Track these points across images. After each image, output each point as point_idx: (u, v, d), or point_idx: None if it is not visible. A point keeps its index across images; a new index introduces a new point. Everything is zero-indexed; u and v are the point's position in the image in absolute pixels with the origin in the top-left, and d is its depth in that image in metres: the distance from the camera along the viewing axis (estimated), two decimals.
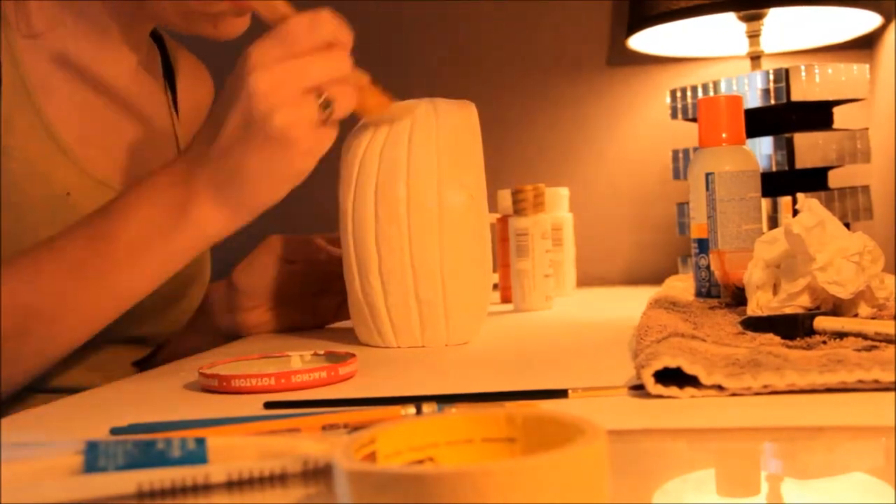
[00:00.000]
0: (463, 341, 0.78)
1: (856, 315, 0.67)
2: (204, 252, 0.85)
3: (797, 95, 1.11)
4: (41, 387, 0.74)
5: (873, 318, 0.65)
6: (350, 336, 0.83)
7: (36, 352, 0.66)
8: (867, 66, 1.16)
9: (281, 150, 0.62)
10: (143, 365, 0.87)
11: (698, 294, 0.89)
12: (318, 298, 0.94)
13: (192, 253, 0.67)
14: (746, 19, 1.24)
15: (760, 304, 0.70)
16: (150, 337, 0.86)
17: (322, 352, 0.67)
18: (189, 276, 0.84)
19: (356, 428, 0.46)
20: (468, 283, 0.77)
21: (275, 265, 0.91)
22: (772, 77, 1.12)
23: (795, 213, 0.70)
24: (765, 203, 1.10)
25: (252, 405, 0.55)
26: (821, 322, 0.62)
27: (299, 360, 0.66)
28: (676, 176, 1.23)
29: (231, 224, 0.66)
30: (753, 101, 1.13)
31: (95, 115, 0.80)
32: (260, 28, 0.66)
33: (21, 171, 0.72)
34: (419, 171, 0.76)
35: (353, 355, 0.64)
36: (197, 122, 0.92)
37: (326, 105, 0.63)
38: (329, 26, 0.63)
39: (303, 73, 0.62)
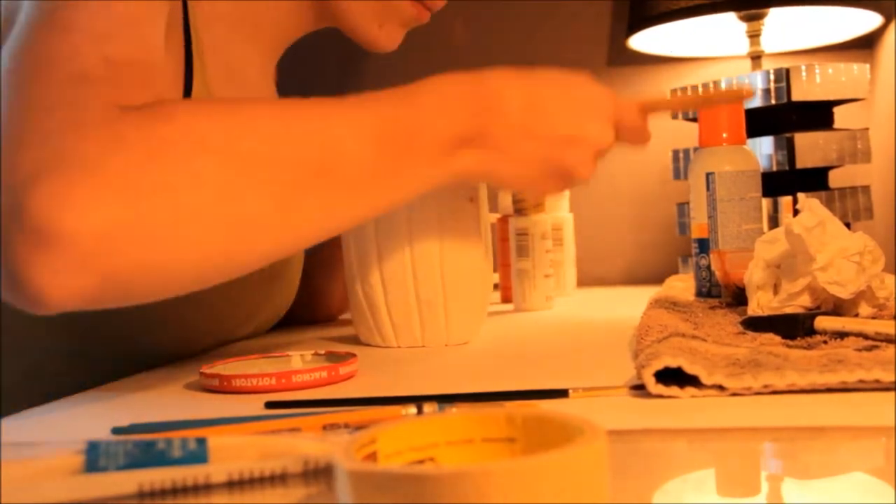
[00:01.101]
0: (463, 341, 0.78)
1: (856, 315, 0.67)
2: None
3: (797, 95, 1.11)
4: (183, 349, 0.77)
5: (874, 318, 0.65)
6: (350, 336, 0.83)
7: (324, 202, 0.59)
8: (867, 66, 1.16)
9: (545, 174, 0.67)
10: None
11: (699, 294, 0.89)
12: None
13: (445, 178, 0.64)
14: (746, 19, 1.24)
15: (761, 303, 0.70)
16: (256, 334, 0.88)
17: (322, 352, 0.67)
18: (284, 270, 0.86)
19: (357, 428, 0.46)
20: (468, 283, 0.77)
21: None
22: (772, 77, 1.12)
23: (796, 212, 0.70)
24: (765, 203, 1.10)
25: (252, 405, 0.55)
26: (821, 322, 0.62)
27: (300, 360, 0.66)
28: (676, 176, 1.23)
29: (483, 175, 0.66)
30: (754, 101, 1.13)
31: None
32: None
33: None
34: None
35: (353, 355, 0.65)
36: None
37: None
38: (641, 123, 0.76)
39: (612, 136, 0.73)
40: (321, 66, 1.47)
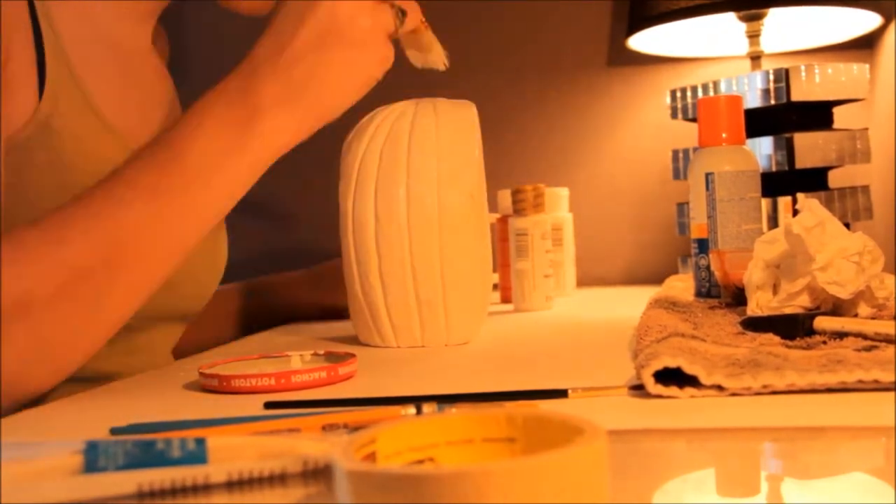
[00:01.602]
0: (463, 341, 0.78)
1: (856, 315, 0.67)
2: (220, 226, 0.88)
3: (797, 95, 1.11)
4: (78, 375, 0.74)
5: (873, 318, 0.65)
6: (351, 336, 0.83)
7: (128, 286, 0.63)
8: (867, 66, 1.16)
9: (360, 53, 0.66)
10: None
11: (698, 294, 0.89)
12: None
13: (264, 164, 0.67)
14: (746, 19, 1.24)
15: (760, 304, 0.70)
16: (184, 311, 0.86)
17: (322, 352, 0.67)
18: (210, 241, 0.85)
19: (356, 428, 0.46)
20: (468, 283, 0.77)
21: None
22: (772, 77, 1.12)
23: (795, 213, 0.70)
24: (765, 203, 1.10)
25: (252, 405, 0.55)
26: (821, 322, 0.62)
27: (299, 360, 0.66)
28: (676, 176, 1.23)
29: (300, 132, 0.67)
30: (753, 101, 1.13)
31: (132, 91, 0.80)
32: None
33: (73, 151, 0.72)
34: (419, 171, 0.76)
35: (352, 355, 0.64)
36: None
37: (401, 17, 0.68)
38: None
39: None
40: None
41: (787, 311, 0.67)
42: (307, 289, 1.05)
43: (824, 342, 0.59)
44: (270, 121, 0.65)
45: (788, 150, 1.10)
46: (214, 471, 0.38)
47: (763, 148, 1.12)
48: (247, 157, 0.65)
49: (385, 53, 0.68)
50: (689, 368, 0.50)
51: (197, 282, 0.86)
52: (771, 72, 1.12)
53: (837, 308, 0.67)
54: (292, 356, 0.66)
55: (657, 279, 1.21)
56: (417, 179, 0.76)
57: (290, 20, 0.66)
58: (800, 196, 0.71)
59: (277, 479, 0.39)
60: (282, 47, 0.66)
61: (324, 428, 0.47)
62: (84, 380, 0.74)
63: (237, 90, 0.66)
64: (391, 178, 0.76)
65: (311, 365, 0.64)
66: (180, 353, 0.89)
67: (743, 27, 1.25)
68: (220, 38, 1.45)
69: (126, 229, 0.62)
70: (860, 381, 0.48)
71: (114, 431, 0.49)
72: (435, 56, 0.78)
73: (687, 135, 1.29)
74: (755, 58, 1.25)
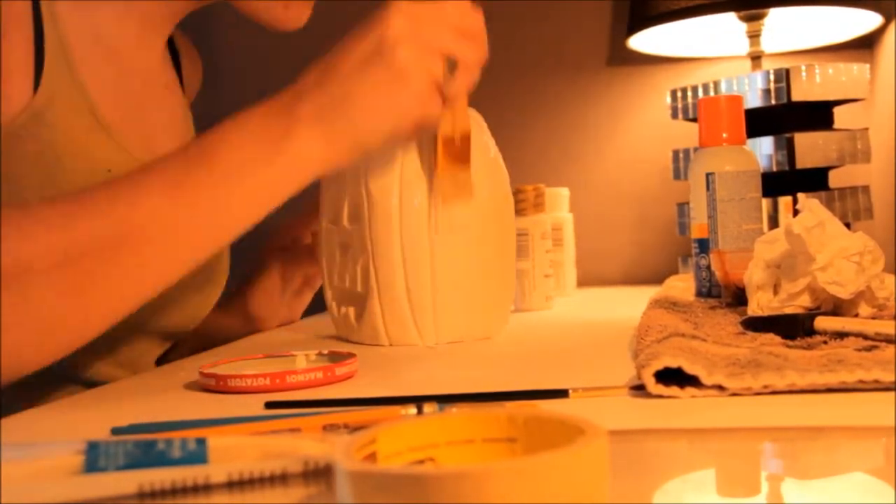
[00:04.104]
0: (453, 340, 0.79)
1: (856, 315, 0.67)
2: (223, 249, 0.86)
3: (797, 95, 1.11)
4: (74, 376, 0.74)
5: (874, 318, 0.65)
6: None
7: (132, 274, 0.61)
8: (867, 66, 1.16)
9: (400, 83, 0.64)
10: (163, 360, 0.88)
11: (698, 294, 0.89)
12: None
13: (293, 184, 0.65)
14: (747, 19, 1.24)
15: (761, 304, 0.70)
16: (172, 330, 0.86)
17: (326, 351, 0.67)
18: (208, 267, 0.84)
19: (357, 428, 0.46)
20: (465, 283, 0.78)
21: (281, 285, 0.99)
22: (772, 77, 1.12)
23: (796, 213, 0.70)
24: (765, 203, 1.10)
25: (253, 405, 0.55)
26: (821, 322, 0.62)
27: (304, 360, 0.65)
28: (676, 176, 1.23)
29: (333, 156, 0.65)
30: (753, 101, 1.13)
31: (131, 96, 0.80)
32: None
33: (64, 146, 0.71)
34: (409, 171, 0.77)
35: (353, 355, 0.64)
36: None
37: (450, 66, 0.66)
38: (479, 21, 0.69)
39: (443, 34, 0.66)
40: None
41: (788, 311, 0.67)
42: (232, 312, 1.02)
43: (825, 342, 0.59)
44: (304, 138, 0.63)
45: (789, 150, 1.10)
46: (215, 471, 0.38)
47: (763, 148, 1.12)
48: (276, 171, 0.63)
49: (426, 93, 0.65)
50: (689, 368, 0.50)
51: (187, 302, 0.85)
52: (771, 72, 1.12)
53: (838, 308, 0.67)
54: (297, 356, 0.66)
55: (657, 279, 1.21)
56: (408, 180, 0.77)
57: (344, 44, 0.66)
58: (800, 196, 0.71)
59: (278, 480, 0.39)
60: (327, 69, 0.65)
61: (324, 428, 0.47)
62: (76, 381, 0.74)
63: (278, 106, 0.65)
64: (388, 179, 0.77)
65: (309, 365, 0.64)
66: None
67: (743, 27, 1.25)
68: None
69: (141, 214, 0.60)
70: (861, 381, 0.48)
71: (114, 431, 0.49)
72: (462, 179, 0.73)
73: (687, 135, 1.29)
74: (755, 58, 1.25)
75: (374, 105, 0.64)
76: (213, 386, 0.60)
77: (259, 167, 0.63)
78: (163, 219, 0.60)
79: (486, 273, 0.80)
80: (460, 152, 0.71)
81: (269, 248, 1.00)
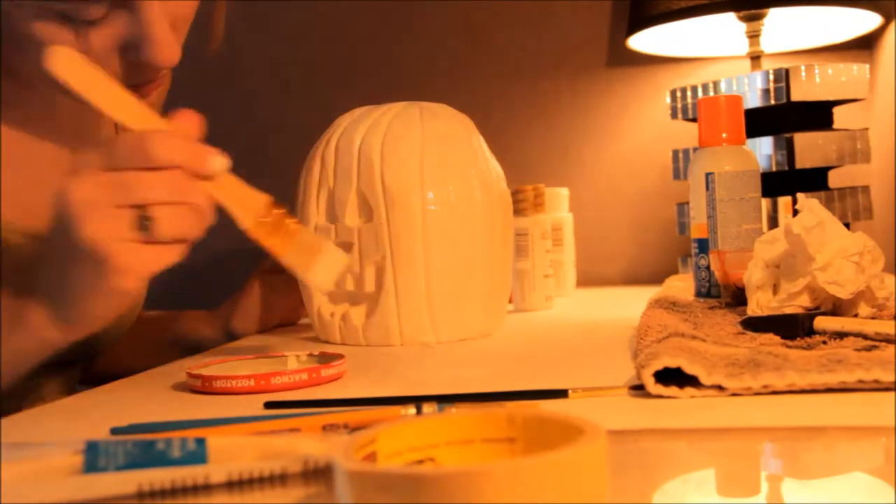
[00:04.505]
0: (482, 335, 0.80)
1: (856, 315, 0.67)
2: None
3: (797, 95, 1.10)
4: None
5: (873, 318, 0.65)
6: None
7: None
8: (867, 66, 1.16)
9: (94, 265, 0.57)
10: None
11: (698, 294, 0.89)
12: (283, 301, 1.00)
13: (36, 355, 0.63)
14: (746, 19, 1.24)
15: (760, 304, 0.70)
16: (82, 357, 0.84)
17: (317, 352, 0.67)
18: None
19: (356, 428, 0.46)
20: (461, 283, 0.78)
21: (261, 309, 0.97)
22: (772, 77, 1.12)
23: (795, 213, 0.70)
24: (765, 203, 1.09)
25: (252, 405, 0.55)
26: (821, 322, 0.62)
27: (295, 361, 0.66)
28: (676, 176, 1.23)
29: (69, 335, 0.62)
30: (753, 101, 1.13)
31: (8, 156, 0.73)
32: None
33: None
34: (430, 166, 0.78)
35: (341, 356, 0.64)
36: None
37: (143, 224, 0.57)
38: (163, 147, 0.57)
39: (121, 187, 0.56)
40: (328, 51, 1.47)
41: (787, 311, 0.67)
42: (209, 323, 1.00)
43: (824, 342, 0.59)
44: (39, 317, 0.60)
45: (788, 150, 1.10)
46: (214, 471, 0.38)
47: (763, 148, 1.12)
48: (15, 343, 0.61)
49: (127, 264, 0.57)
50: (689, 368, 0.50)
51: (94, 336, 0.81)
52: (771, 72, 1.12)
53: (837, 308, 0.67)
54: (289, 356, 0.66)
55: (657, 279, 1.21)
56: (398, 179, 0.78)
57: (50, 226, 0.60)
58: (800, 196, 0.71)
59: (277, 480, 0.39)
60: (46, 255, 0.61)
61: (324, 428, 0.47)
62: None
63: (14, 289, 0.62)
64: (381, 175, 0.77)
65: (300, 366, 0.65)
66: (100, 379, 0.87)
67: (743, 27, 1.25)
68: None
69: None
70: (860, 381, 0.48)
71: (114, 431, 0.49)
72: (321, 262, 0.64)
73: (687, 135, 1.29)
74: (755, 58, 1.25)
75: (86, 288, 0.59)
76: (199, 387, 0.60)
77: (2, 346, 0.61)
78: None
79: (486, 272, 0.80)
80: (276, 222, 0.62)
81: (257, 271, 1.00)
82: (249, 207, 0.61)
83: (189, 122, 0.60)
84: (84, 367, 0.88)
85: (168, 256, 0.58)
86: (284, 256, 0.63)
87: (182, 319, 1.00)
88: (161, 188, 0.57)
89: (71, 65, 0.58)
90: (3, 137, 0.72)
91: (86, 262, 0.57)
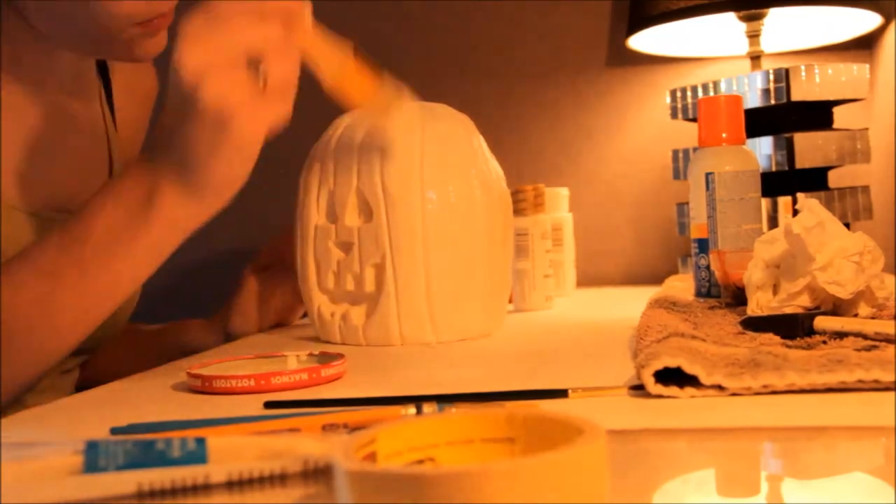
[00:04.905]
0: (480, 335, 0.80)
1: (856, 315, 0.67)
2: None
3: (797, 95, 1.10)
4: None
5: (873, 318, 0.65)
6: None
7: (17, 364, 0.64)
8: (867, 66, 1.16)
9: (218, 123, 0.59)
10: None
11: (698, 294, 0.89)
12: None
13: (170, 244, 0.64)
14: (746, 19, 1.24)
15: (760, 304, 0.70)
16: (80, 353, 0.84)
17: (317, 352, 0.67)
18: None
19: (356, 428, 0.46)
20: (461, 283, 0.78)
21: (258, 306, 0.97)
22: (772, 77, 1.12)
23: (795, 213, 0.70)
24: (765, 203, 1.10)
25: (251, 405, 0.55)
26: (821, 322, 0.62)
27: (295, 361, 0.66)
28: (676, 176, 1.23)
29: (202, 209, 0.63)
30: (753, 101, 1.13)
31: (15, 148, 0.76)
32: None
33: None
34: (429, 165, 0.78)
35: (341, 356, 0.64)
36: (144, 117, 0.93)
37: (258, 77, 0.60)
38: (263, 1, 0.60)
39: (229, 40, 0.59)
40: None
41: (787, 310, 0.67)
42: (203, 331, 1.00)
43: (824, 342, 0.59)
44: (169, 197, 0.62)
45: (788, 150, 1.10)
46: (214, 471, 0.38)
47: (763, 148, 1.12)
48: (149, 236, 0.63)
49: (250, 116, 0.59)
50: (689, 368, 0.50)
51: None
52: (771, 72, 1.12)
53: (837, 308, 0.67)
54: (289, 356, 0.66)
55: (657, 279, 1.21)
56: (398, 178, 0.78)
57: (168, 99, 0.62)
58: (800, 196, 0.71)
59: (277, 479, 0.39)
60: (166, 128, 0.62)
61: (324, 428, 0.47)
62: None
63: (140, 167, 0.63)
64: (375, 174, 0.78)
65: (300, 366, 0.65)
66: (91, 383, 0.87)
67: (743, 27, 1.25)
68: None
69: (20, 309, 0.62)
70: (860, 381, 0.48)
71: (114, 431, 0.49)
72: (376, 105, 0.69)
73: (687, 135, 1.29)
74: (755, 58, 1.25)
75: (211, 151, 0.60)
76: (199, 387, 0.60)
77: (130, 237, 0.62)
78: (39, 311, 0.62)
79: (486, 272, 0.80)
80: (356, 77, 0.67)
81: (249, 269, 0.99)
82: (334, 58, 0.66)
83: None
84: (81, 366, 0.89)
85: (283, 108, 0.61)
86: (364, 105, 0.68)
87: (182, 329, 1.00)
88: (268, 34, 0.60)
89: None
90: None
91: (210, 125, 0.59)
